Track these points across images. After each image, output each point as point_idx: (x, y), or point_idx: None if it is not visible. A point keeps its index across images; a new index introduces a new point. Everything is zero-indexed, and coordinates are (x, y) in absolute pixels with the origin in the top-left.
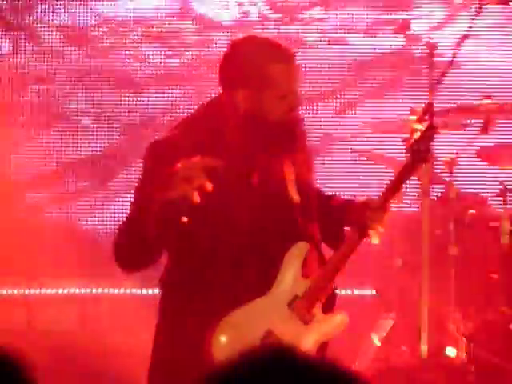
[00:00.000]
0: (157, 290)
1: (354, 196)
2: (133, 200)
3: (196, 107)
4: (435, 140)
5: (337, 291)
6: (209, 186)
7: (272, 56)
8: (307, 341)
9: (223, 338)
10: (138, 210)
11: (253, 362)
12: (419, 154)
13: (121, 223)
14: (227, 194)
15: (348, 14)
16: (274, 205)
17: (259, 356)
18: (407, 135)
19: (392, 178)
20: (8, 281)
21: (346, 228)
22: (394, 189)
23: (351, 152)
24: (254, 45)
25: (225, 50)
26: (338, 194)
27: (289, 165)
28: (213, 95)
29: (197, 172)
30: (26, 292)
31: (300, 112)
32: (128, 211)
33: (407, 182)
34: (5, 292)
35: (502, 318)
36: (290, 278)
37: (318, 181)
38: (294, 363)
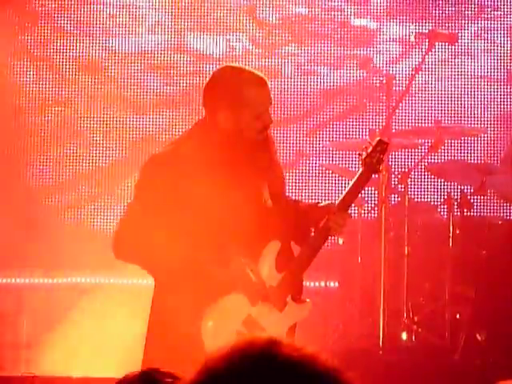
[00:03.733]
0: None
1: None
2: (131, 205)
3: (189, 127)
4: (390, 156)
5: (304, 283)
6: None
7: (247, 81)
8: (280, 324)
9: (210, 323)
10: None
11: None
12: (371, 165)
13: (131, 223)
14: (216, 202)
15: (318, 49)
16: (251, 210)
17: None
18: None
19: (348, 187)
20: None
21: (312, 229)
22: (350, 196)
23: (319, 166)
24: (231, 72)
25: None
26: (307, 199)
27: (263, 175)
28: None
29: None
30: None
31: (272, 130)
32: (128, 212)
33: (363, 190)
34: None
35: (447, 307)
36: (264, 271)
37: (291, 189)
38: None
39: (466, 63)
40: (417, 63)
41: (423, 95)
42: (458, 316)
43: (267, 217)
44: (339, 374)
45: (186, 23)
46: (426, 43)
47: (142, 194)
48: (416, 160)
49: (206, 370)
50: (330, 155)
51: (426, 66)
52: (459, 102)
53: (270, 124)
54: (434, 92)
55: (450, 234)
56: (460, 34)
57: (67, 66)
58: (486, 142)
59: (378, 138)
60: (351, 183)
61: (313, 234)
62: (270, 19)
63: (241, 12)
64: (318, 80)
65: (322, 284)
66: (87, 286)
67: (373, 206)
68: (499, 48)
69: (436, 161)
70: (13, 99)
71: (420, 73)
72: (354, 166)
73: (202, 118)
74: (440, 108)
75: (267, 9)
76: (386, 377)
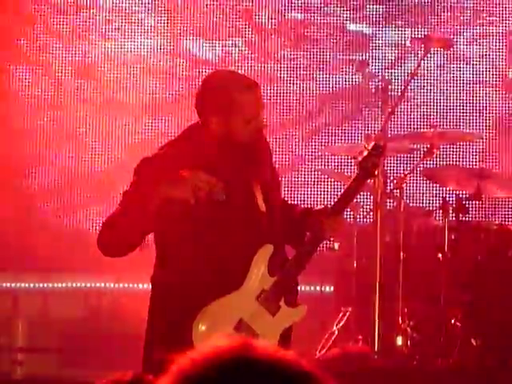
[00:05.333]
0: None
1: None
2: (122, 200)
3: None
4: (386, 160)
5: (300, 287)
6: (203, 197)
7: (237, 86)
8: (273, 328)
9: (201, 326)
10: (134, 204)
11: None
12: (366, 169)
13: (110, 218)
14: (209, 204)
15: (314, 54)
16: (244, 214)
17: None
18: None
19: (343, 191)
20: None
21: (306, 232)
22: (344, 200)
23: (315, 171)
24: (221, 77)
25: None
26: (303, 204)
27: (256, 178)
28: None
29: (203, 184)
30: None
31: (268, 135)
32: (118, 206)
33: (358, 194)
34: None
35: (443, 312)
36: (257, 275)
37: (287, 193)
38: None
39: (462, 68)
40: (412, 68)
41: (419, 100)
42: (453, 321)
43: (260, 220)
44: (314, 376)
45: (182, 27)
46: (422, 48)
47: (128, 194)
48: (412, 165)
49: (178, 375)
50: (326, 160)
51: (422, 71)
52: (455, 107)
53: (262, 128)
54: (429, 97)
55: (446, 239)
56: (455, 40)
57: (64, 71)
58: (481, 147)
59: (373, 143)
60: (346, 187)
61: (307, 237)
62: (266, 24)
63: (237, 17)
64: (314, 85)
65: (318, 288)
66: (84, 291)
67: (368, 210)
68: (494, 53)
69: (432, 166)
70: (10, 103)
71: (416, 78)
72: (349, 170)
73: (194, 123)
74: (435, 113)
75: (263, 13)
76: (381, 381)
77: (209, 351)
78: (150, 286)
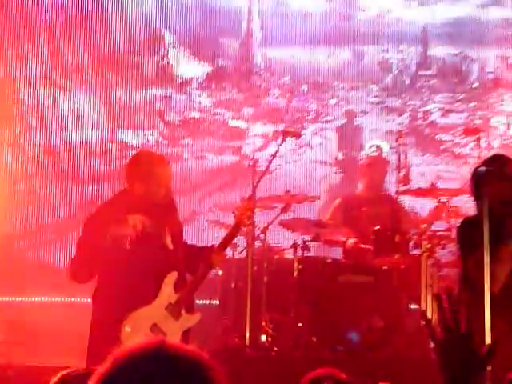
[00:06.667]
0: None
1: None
2: (78, 245)
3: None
4: (255, 215)
5: (196, 301)
6: (139, 232)
7: (154, 162)
8: (176, 329)
9: (127, 328)
10: (89, 245)
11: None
12: (241, 220)
13: (73, 259)
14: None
15: (206, 141)
16: (158, 250)
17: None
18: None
19: (225, 235)
20: None
21: (200, 263)
22: (226, 241)
23: (206, 221)
24: (143, 156)
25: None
26: (198, 244)
27: (166, 226)
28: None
29: (139, 223)
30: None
31: (175, 197)
32: (77, 249)
33: (235, 237)
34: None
35: (293, 319)
36: (166, 292)
37: (188, 236)
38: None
39: (307, 152)
40: (273, 151)
41: (277, 173)
42: (300, 324)
43: (169, 255)
44: (208, 363)
45: (116, 122)
46: (280, 138)
47: (79, 240)
48: (272, 217)
49: (113, 361)
50: (214, 214)
51: (280, 153)
52: (302, 178)
53: (170, 192)
54: (285, 171)
55: (295, 268)
56: (303, 132)
57: (34, 151)
58: (319, 205)
59: (245, 202)
60: (227, 232)
61: (200, 267)
62: (174, 120)
63: (154, 115)
64: (206, 163)
65: (207, 302)
66: (44, 304)
67: (242, 248)
68: (329, 142)
69: (286, 218)
70: None
71: (276, 158)
72: (230, 221)
73: (124, 188)
74: (289, 182)
75: (171, 113)
76: (251, 366)
77: (134, 346)
78: (91, 300)
